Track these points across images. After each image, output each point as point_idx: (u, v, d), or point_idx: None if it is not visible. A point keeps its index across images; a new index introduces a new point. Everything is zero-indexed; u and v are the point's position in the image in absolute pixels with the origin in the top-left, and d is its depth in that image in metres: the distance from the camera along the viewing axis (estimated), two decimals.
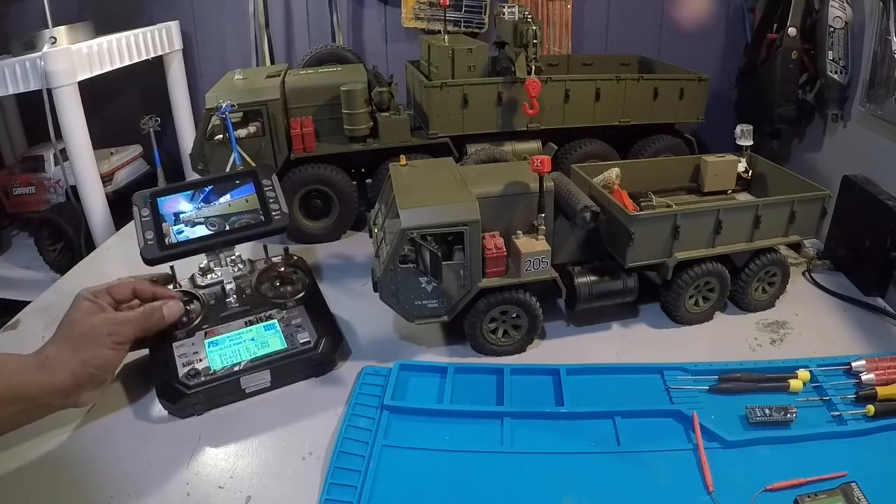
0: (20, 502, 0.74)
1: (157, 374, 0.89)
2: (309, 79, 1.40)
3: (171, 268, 1.01)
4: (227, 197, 1.02)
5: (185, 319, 0.95)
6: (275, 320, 0.96)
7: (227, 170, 1.22)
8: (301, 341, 0.93)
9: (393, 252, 0.90)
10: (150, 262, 0.94)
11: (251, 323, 0.96)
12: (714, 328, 1.07)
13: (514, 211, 0.96)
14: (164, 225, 0.97)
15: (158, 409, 0.88)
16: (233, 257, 1.04)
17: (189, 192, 1.01)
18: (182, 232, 0.98)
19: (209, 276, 1.03)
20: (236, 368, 0.89)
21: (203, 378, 0.87)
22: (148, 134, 1.18)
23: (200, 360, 0.89)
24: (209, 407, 0.88)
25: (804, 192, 1.06)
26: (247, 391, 0.90)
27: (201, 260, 1.02)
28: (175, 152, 1.95)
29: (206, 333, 0.94)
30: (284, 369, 0.92)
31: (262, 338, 0.93)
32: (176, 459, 0.80)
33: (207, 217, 1.00)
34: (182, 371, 0.87)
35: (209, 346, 0.92)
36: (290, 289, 1.03)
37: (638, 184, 1.17)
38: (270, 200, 1.02)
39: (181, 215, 0.99)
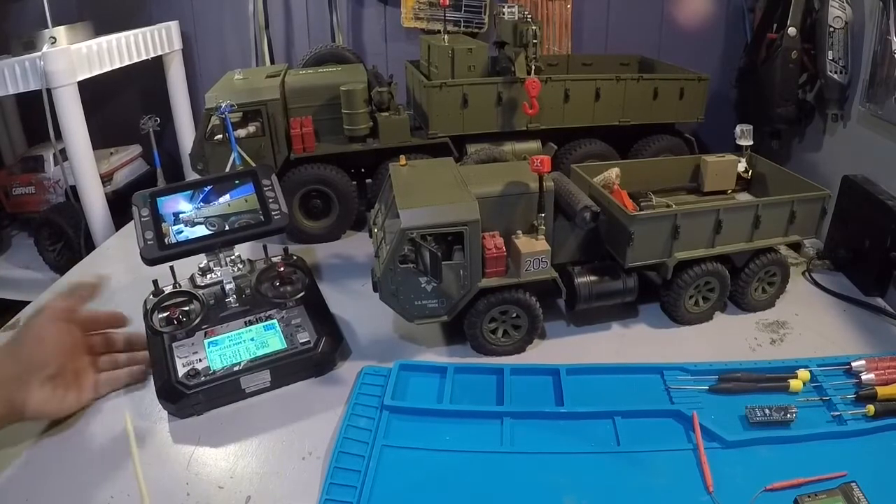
0: (20, 502, 0.74)
1: (157, 374, 0.88)
2: (309, 79, 1.40)
3: (171, 268, 1.01)
4: (227, 197, 1.02)
5: (184, 319, 0.95)
6: (274, 320, 0.96)
7: (227, 170, 1.22)
8: (301, 341, 0.93)
9: (393, 252, 0.90)
10: (149, 262, 0.94)
11: (251, 323, 0.96)
12: (714, 328, 1.07)
13: (514, 211, 0.96)
14: (163, 225, 0.97)
15: (158, 409, 0.88)
16: (232, 257, 1.04)
17: (188, 192, 1.01)
18: (182, 232, 0.98)
19: (209, 276, 1.03)
20: (236, 368, 0.89)
21: (203, 378, 0.87)
22: (147, 134, 1.18)
23: (200, 361, 0.89)
24: (209, 407, 0.88)
25: (804, 192, 1.05)
26: (247, 391, 0.90)
27: (201, 260, 1.02)
28: (175, 152, 1.95)
29: (205, 333, 0.94)
30: (284, 369, 0.92)
31: (262, 338, 0.93)
32: (176, 459, 0.80)
33: (207, 217, 1.00)
34: (182, 371, 0.87)
35: (209, 347, 0.92)
36: (290, 289, 1.03)
37: (638, 184, 1.17)
38: (270, 200, 1.02)
39: (181, 215, 0.99)
